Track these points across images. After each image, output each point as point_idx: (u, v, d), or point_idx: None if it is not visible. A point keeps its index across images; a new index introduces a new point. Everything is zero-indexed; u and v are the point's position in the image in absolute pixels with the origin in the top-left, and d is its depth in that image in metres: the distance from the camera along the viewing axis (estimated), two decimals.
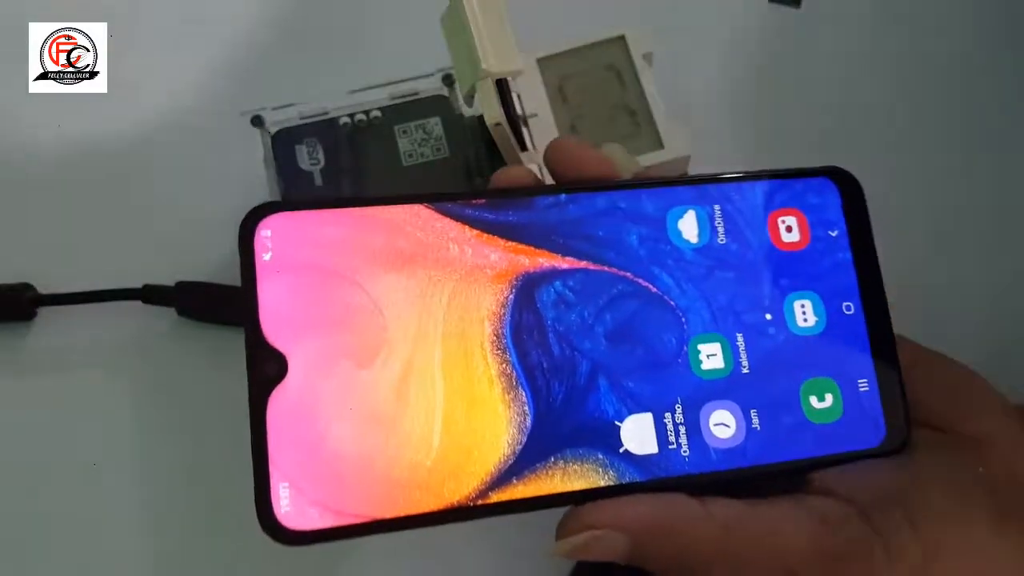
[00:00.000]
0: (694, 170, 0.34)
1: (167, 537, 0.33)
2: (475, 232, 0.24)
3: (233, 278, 0.25)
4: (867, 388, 0.24)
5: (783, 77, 0.39)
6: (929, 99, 0.39)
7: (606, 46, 0.35)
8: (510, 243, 0.24)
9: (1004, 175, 0.37)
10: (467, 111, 0.34)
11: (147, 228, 0.37)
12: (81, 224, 0.37)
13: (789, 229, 0.25)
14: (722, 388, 0.24)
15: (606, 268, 0.24)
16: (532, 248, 0.24)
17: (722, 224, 0.25)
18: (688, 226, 0.25)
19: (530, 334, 0.23)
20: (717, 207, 0.25)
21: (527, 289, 0.24)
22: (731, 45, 0.40)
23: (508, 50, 0.30)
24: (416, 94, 0.35)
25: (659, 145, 0.33)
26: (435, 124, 0.34)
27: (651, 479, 0.23)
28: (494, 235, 0.24)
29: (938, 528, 0.23)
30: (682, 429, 0.23)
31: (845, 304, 0.25)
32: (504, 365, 0.23)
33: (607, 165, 0.25)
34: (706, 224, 0.25)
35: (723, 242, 0.25)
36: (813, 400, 0.24)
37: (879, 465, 0.24)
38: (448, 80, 0.35)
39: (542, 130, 0.33)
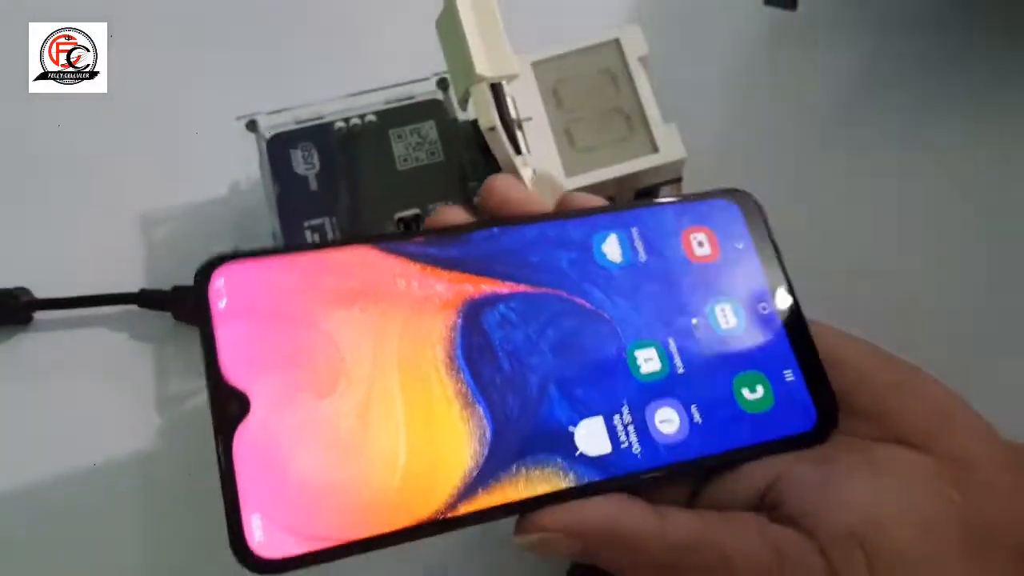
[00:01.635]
0: (689, 173, 0.34)
1: (165, 541, 0.33)
2: (419, 266, 0.25)
3: None
4: (792, 378, 0.26)
5: (779, 80, 0.39)
6: (925, 98, 0.38)
7: (601, 49, 0.34)
8: (453, 273, 0.25)
9: (1003, 172, 0.37)
10: (462, 115, 0.34)
11: (144, 232, 0.37)
12: (78, 228, 0.37)
13: (701, 244, 0.28)
14: (662, 388, 0.26)
15: (543, 289, 0.26)
16: (474, 276, 0.26)
17: (641, 244, 0.27)
18: (611, 248, 0.27)
19: (481, 354, 0.25)
20: (635, 229, 0.27)
21: (473, 314, 0.25)
22: (727, 48, 0.40)
23: (502, 54, 0.30)
24: (411, 98, 0.35)
25: (654, 149, 0.33)
26: (430, 128, 0.34)
27: (609, 478, 0.24)
28: (438, 267, 0.25)
29: (898, 572, 0.22)
30: (631, 428, 0.25)
31: (760, 305, 0.27)
32: (460, 384, 0.24)
33: (534, 200, 0.28)
34: (627, 245, 0.27)
35: (644, 260, 0.27)
36: (745, 392, 0.26)
37: (850, 498, 0.24)
38: (443, 84, 0.35)
39: (537, 134, 0.33)
